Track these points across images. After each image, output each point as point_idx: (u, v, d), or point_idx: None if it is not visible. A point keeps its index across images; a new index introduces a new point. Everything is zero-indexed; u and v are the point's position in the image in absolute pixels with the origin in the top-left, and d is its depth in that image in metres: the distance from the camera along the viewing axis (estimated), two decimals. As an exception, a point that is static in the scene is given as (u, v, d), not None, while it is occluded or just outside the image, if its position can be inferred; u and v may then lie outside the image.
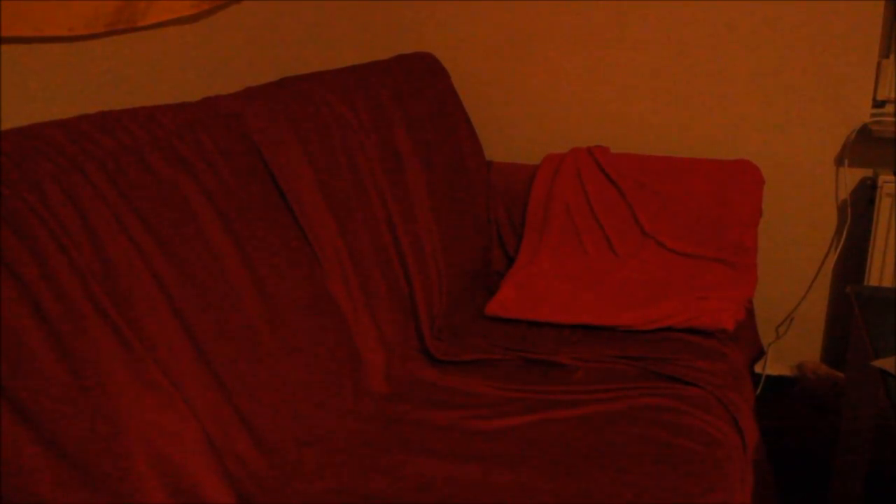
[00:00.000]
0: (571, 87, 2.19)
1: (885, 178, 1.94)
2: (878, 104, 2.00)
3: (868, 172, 2.03)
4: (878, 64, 1.96)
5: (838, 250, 2.09)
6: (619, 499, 1.12)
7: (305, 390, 1.26)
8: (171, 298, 1.08)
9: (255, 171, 1.34)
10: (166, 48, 1.49)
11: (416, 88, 1.93)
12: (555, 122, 2.22)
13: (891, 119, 1.96)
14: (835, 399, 2.01)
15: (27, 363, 0.88)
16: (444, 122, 2.01)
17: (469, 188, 2.03)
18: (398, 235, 1.65)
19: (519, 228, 2.10)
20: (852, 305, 1.46)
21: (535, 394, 1.43)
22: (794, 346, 2.19)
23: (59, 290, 0.93)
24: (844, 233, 2.07)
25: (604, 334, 1.67)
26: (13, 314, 0.88)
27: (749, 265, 1.88)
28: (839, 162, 2.04)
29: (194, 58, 1.57)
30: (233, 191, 1.26)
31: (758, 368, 2.19)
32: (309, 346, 1.30)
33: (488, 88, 2.24)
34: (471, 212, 2.01)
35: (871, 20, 1.93)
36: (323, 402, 1.29)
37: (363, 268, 1.52)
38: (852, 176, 2.04)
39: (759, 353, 1.91)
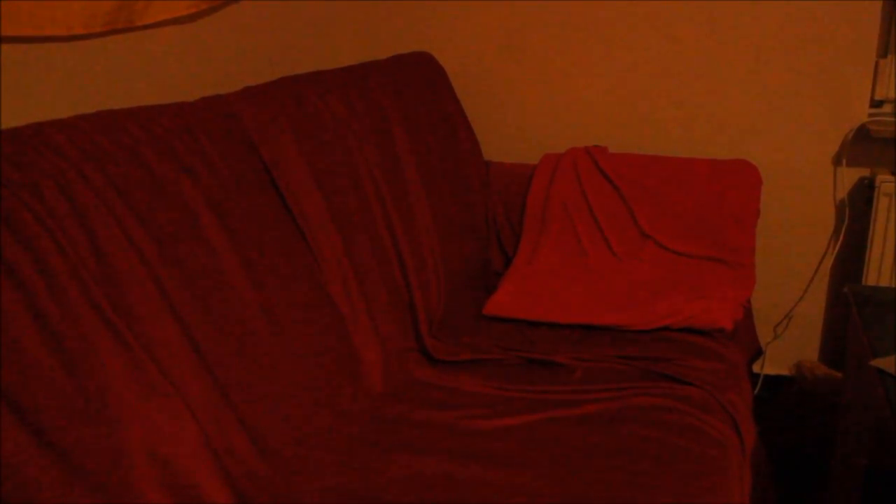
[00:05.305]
0: (569, 87, 2.19)
1: (882, 178, 1.94)
2: (876, 104, 2.00)
3: (866, 172, 2.03)
4: (876, 64, 1.96)
5: (836, 250, 2.09)
6: (618, 499, 1.13)
7: (304, 390, 1.26)
8: (170, 299, 1.08)
9: (253, 171, 1.34)
10: (165, 48, 1.49)
11: (414, 89, 1.93)
12: (553, 122, 2.22)
13: (889, 119, 1.96)
14: (833, 399, 2.01)
15: (25, 364, 0.88)
16: (443, 122, 2.01)
17: (467, 188, 2.03)
18: (396, 235, 1.65)
19: (517, 228, 2.10)
20: (850, 305, 1.46)
21: (533, 394, 1.43)
22: (792, 345, 2.20)
23: (57, 291, 0.93)
24: (842, 232, 2.07)
25: (602, 334, 1.67)
26: (11, 315, 0.88)
27: (747, 265, 1.88)
28: (837, 162, 2.05)
29: (193, 58, 1.57)
30: (231, 191, 1.26)
31: (756, 368, 2.19)
32: (307, 347, 1.30)
33: (486, 88, 2.24)
34: (469, 212, 2.01)
35: (869, 20, 1.93)
36: (321, 402, 1.29)
37: (361, 267, 1.52)
38: (850, 176, 2.05)
39: (758, 353, 1.91)
